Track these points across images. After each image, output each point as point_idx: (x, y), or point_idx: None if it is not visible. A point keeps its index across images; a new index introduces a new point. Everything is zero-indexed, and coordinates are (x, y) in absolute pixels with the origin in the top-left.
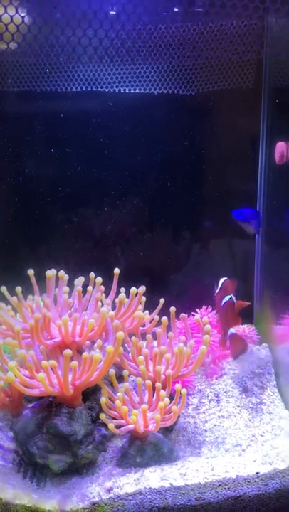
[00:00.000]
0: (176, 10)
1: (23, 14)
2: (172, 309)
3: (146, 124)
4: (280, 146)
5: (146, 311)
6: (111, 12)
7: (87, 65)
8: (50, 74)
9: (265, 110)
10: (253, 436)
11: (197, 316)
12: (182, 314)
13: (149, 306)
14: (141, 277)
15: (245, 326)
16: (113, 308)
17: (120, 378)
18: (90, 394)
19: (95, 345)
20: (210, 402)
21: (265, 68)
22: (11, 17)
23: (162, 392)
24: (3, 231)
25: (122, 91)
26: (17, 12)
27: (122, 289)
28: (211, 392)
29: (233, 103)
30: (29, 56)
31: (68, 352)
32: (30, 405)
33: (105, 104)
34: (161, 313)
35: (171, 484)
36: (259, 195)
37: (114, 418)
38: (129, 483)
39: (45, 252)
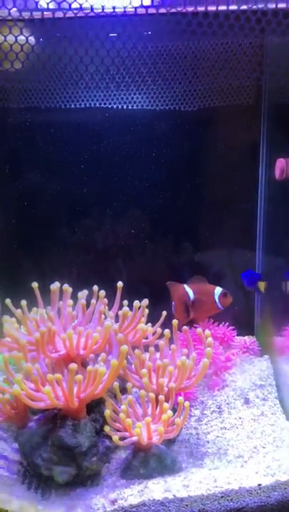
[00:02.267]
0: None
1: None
2: (175, 322)
3: (147, 139)
4: (280, 162)
5: (149, 324)
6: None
7: (93, 84)
8: (59, 90)
9: (265, 126)
10: (255, 447)
11: (199, 329)
12: (184, 327)
13: (152, 319)
14: (143, 289)
15: (246, 337)
16: (116, 320)
17: (124, 390)
18: (94, 406)
19: (99, 358)
20: (212, 413)
21: (264, 85)
22: (20, 46)
23: (165, 405)
24: (7, 244)
25: (125, 107)
26: (27, 40)
27: (125, 302)
28: (213, 403)
29: (234, 119)
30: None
31: (74, 366)
32: (36, 417)
33: (108, 119)
34: (163, 326)
35: (174, 496)
36: (259, 209)
37: (118, 430)
38: (133, 494)
39: (49, 264)
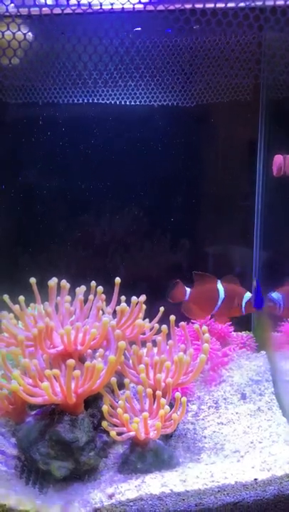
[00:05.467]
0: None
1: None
2: (172, 317)
3: (146, 134)
4: (278, 159)
5: (147, 319)
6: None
7: (92, 80)
8: (56, 86)
9: (263, 122)
10: (252, 442)
11: (196, 325)
12: (182, 323)
13: (149, 314)
14: (141, 285)
15: (243, 333)
16: (114, 316)
17: (121, 386)
18: (91, 401)
19: (97, 353)
20: (209, 408)
21: (262, 81)
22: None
23: (163, 400)
24: (5, 240)
25: (123, 103)
26: (25, 38)
27: (123, 298)
28: (210, 398)
29: (232, 115)
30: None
31: (72, 362)
32: (33, 412)
33: (107, 115)
34: (161, 322)
35: (171, 490)
36: (257, 206)
37: (115, 425)
38: (130, 489)
39: (47, 260)
